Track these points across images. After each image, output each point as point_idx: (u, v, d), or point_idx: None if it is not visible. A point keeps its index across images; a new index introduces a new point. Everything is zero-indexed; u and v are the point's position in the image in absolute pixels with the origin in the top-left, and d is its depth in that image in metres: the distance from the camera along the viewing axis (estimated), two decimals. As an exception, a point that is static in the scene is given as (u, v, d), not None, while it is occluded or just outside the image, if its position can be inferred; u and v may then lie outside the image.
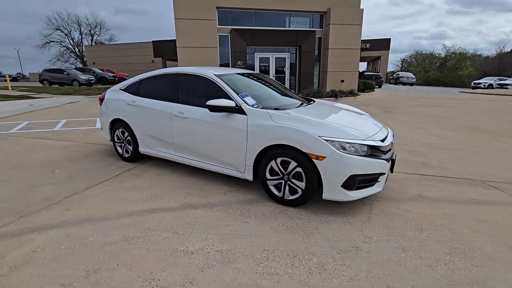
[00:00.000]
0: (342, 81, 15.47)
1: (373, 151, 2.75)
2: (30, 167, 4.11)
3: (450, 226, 2.57)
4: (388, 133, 3.16)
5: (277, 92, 4.00)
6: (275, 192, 2.98)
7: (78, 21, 48.06)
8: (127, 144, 4.27)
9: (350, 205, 2.95)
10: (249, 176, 3.12)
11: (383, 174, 2.82)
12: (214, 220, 2.66)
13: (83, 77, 21.91)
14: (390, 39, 28.21)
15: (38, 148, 5.15)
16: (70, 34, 47.62)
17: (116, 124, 4.31)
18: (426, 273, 1.96)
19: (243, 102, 3.11)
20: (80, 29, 48.63)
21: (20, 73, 53.21)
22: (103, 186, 3.46)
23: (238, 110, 3.08)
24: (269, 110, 3.00)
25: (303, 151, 2.67)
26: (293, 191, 2.88)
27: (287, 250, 2.21)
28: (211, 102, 3.03)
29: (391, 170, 3.02)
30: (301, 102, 3.74)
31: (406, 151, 4.91)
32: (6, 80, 20.94)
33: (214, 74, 3.44)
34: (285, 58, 15.35)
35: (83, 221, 2.62)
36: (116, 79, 26.56)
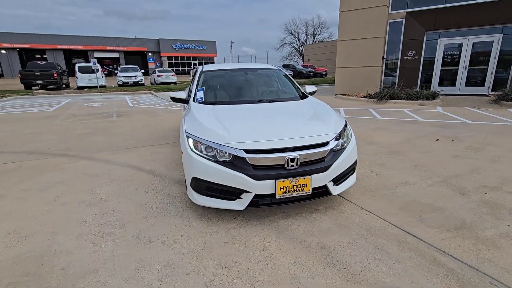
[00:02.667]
0: None
1: (238, 162, 2.33)
2: (149, 129, 6.61)
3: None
4: (304, 147, 2.37)
5: (266, 89, 3.79)
6: (187, 178, 3.23)
7: (305, 24, 56.60)
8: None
9: (220, 216, 2.64)
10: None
11: (246, 192, 2.31)
12: (135, 182, 3.44)
13: (283, 72, 26.46)
14: None
15: (171, 120, 7.84)
16: (298, 35, 57.19)
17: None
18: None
19: (193, 95, 3.48)
20: (306, 31, 57.00)
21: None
22: (149, 148, 5.10)
23: (187, 102, 3.51)
24: (194, 104, 3.21)
25: (181, 144, 2.79)
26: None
27: (113, 223, 2.59)
28: (171, 94, 3.69)
29: (274, 197, 2.32)
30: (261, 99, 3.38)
31: (477, 201, 2.81)
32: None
33: (203, 69, 3.96)
34: (492, 42, 10.68)
35: (102, 161, 4.32)
36: (312, 73, 29.54)
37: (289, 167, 2.33)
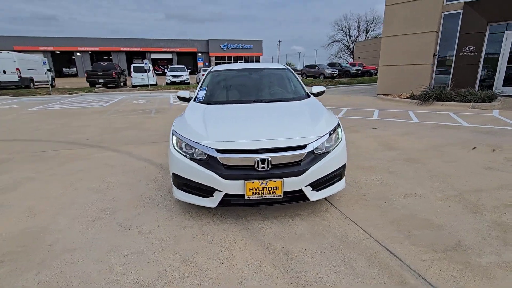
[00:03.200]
0: None
1: (211, 161, 2.39)
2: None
3: None
4: (281, 149, 2.34)
5: (266, 89, 3.76)
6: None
7: (358, 19, 53.65)
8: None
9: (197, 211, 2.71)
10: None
11: (218, 190, 2.35)
12: (141, 174, 3.72)
13: (328, 71, 25.59)
14: None
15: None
16: (349, 32, 54.49)
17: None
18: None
19: (196, 95, 3.63)
20: (358, 27, 54.03)
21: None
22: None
23: (189, 100, 3.66)
24: (192, 103, 3.34)
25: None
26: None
27: (107, 210, 2.90)
28: (178, 93, 3.88)
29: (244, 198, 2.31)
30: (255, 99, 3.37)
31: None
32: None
33: (211, 69, 4.09)
34: None
35: (124, 153, 4.75)
36: (359, 72, 27.95)
37: (260, 169, 2.30)
